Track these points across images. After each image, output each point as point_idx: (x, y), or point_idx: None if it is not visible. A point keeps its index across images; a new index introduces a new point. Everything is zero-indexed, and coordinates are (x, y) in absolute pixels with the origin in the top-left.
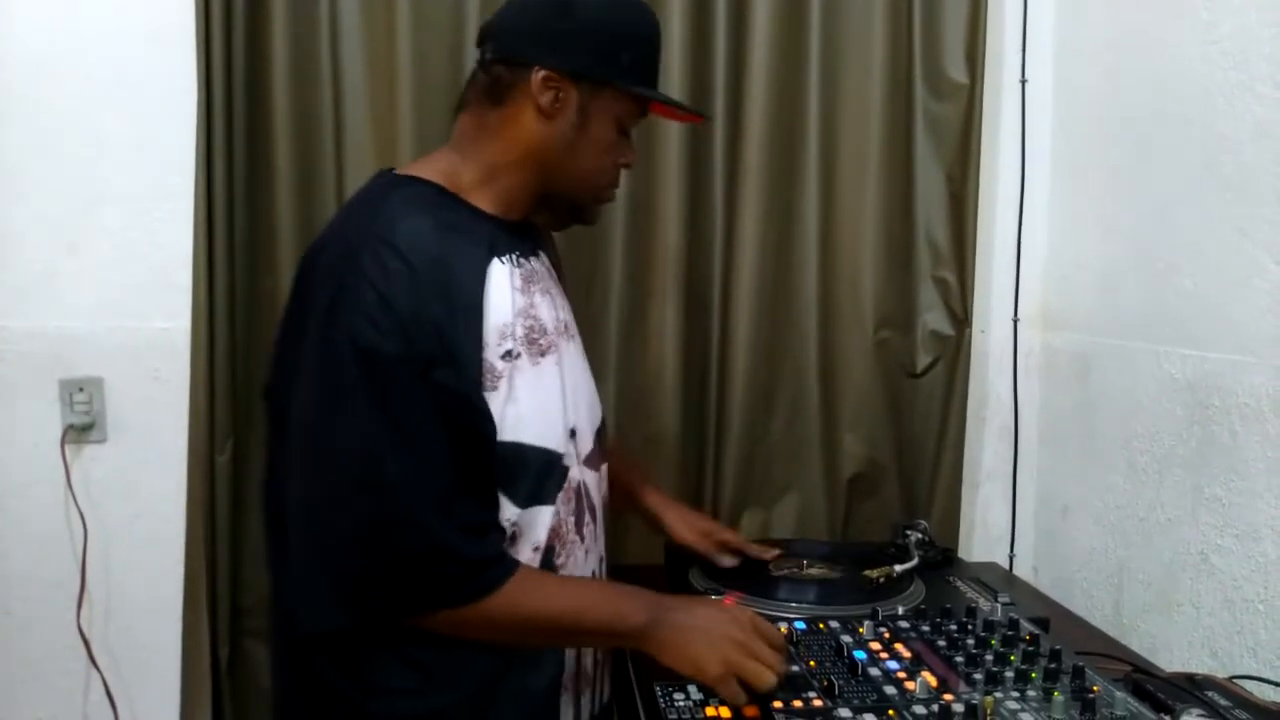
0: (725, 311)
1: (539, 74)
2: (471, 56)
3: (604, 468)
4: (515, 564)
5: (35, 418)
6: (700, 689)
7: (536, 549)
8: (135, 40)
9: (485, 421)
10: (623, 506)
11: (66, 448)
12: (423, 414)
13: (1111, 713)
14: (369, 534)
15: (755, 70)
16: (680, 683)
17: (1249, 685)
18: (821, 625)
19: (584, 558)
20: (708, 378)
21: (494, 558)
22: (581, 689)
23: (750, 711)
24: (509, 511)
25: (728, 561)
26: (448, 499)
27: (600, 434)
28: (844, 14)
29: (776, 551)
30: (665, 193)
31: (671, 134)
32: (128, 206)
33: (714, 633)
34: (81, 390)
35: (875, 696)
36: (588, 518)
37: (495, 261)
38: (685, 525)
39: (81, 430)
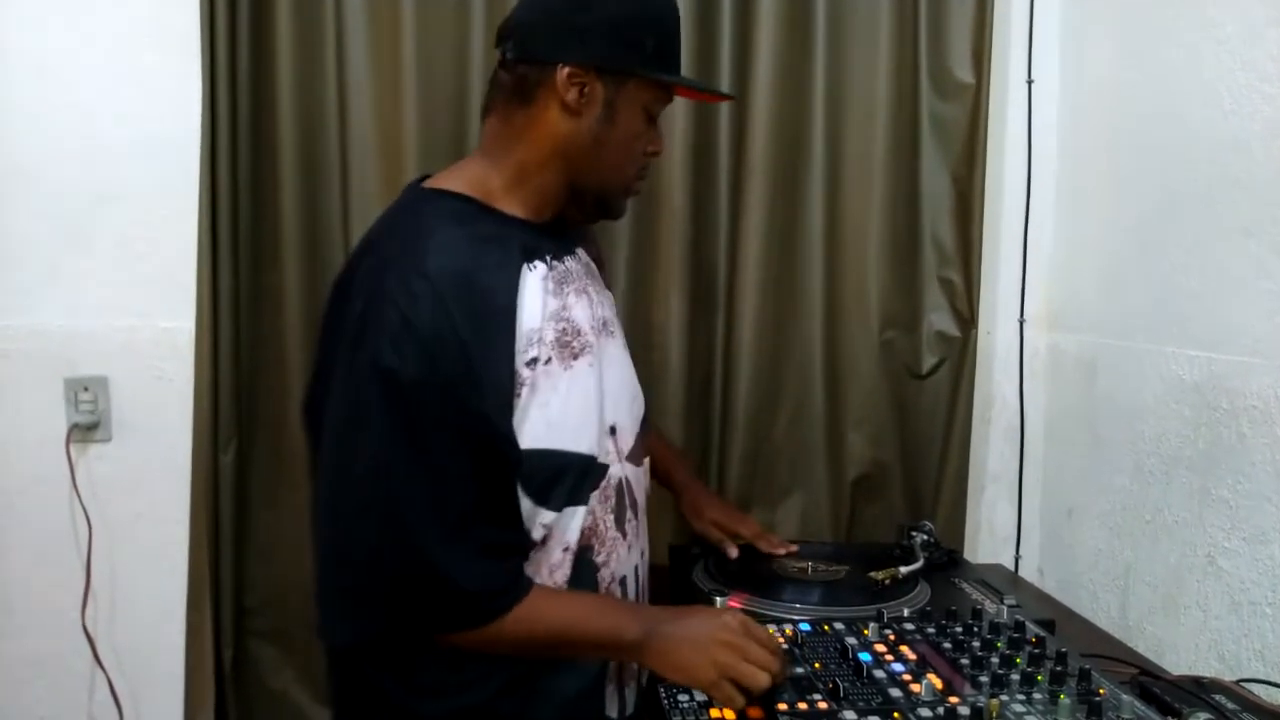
0: (730, 311)
1: (563, 71)
2: (476, 58)
3: (646, 462)
4: (523, 591)
5: (40, 416)
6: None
7: (567, 549)
8: (141, 39)
9: (507, 444)
10: (659, 484)
11: (71, 446)
12: (441, 437)
13: (1118, 716)
14: (375, 555)
15: (761, 69)
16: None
17: (1256, 688)
18: (826, 627)
19: (625, 554)
20: (712, 377)
21: (499, 589)
22: (625, 682)
23: (754, 713)
24: (544, 517)
25: (732, 552)
26: (462, 523)
27: (643, 428)
28: (850, 14)
29: (789, 548)
30: (670, 193)
31: (676, 134)
32: (132, 205)
33: (701, 638)
34: (86, 389)
35: (880, 699)
36: (629, 514)
37: (525, 268)
38: (696, 510)
39: (86, 429)
